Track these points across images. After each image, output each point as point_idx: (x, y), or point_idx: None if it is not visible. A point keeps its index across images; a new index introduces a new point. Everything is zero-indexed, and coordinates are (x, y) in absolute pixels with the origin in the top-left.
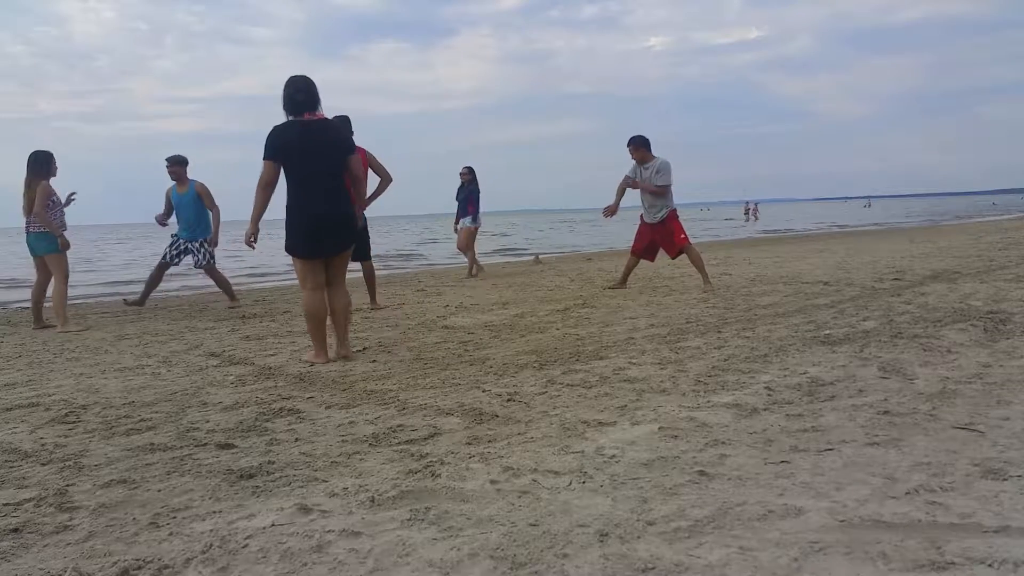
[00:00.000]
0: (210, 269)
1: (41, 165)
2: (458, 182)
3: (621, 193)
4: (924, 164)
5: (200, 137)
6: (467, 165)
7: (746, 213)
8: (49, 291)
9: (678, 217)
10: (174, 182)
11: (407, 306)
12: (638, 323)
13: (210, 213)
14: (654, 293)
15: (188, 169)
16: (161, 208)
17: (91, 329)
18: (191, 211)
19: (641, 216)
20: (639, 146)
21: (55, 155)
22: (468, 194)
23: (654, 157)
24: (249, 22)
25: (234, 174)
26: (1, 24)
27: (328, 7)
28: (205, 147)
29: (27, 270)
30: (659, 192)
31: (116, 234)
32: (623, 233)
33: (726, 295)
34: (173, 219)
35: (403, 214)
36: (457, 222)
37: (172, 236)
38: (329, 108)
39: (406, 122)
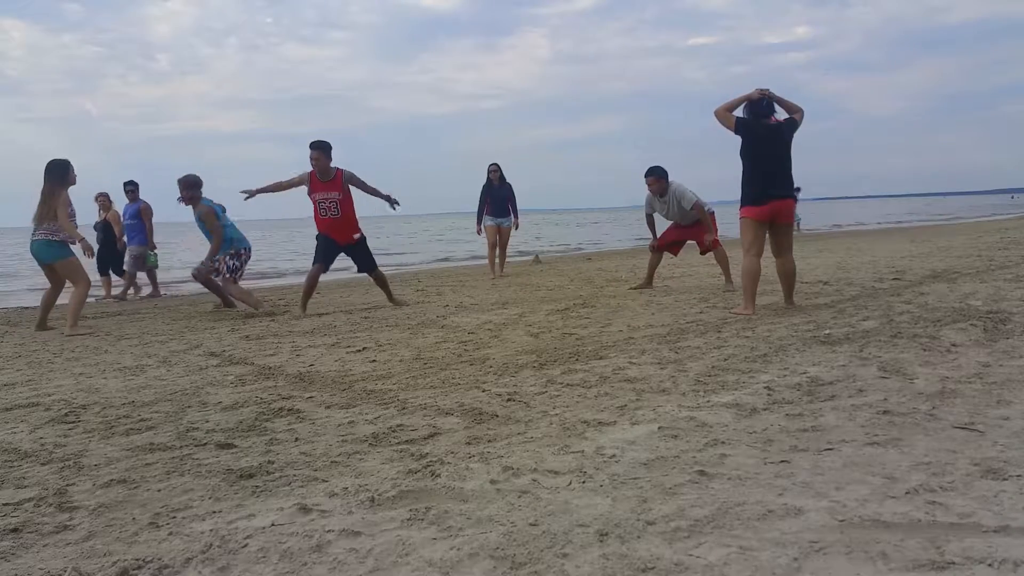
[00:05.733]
0: (200, 273)
1: (58, 173)
2: (476, 181)
3: (653, 226)
4: (962, 161)
5: (250, 136)
6: (495, 162)
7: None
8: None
9: (714, 220)
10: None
11: (408, 306)
12: (638, 323)
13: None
14: (654, 293)
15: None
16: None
17: (95, 334)
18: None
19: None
20: (660, 178)
21: (72, 163)
22: (508, 193)
23: (668, 185)
24: (323, 24)
25: (278, 171)
26: (80, 24)
27: (402, 8)
28: (255, 145)
29: (34, 269)
30: (700, 209)
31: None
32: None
33: (726, 295)
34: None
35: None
36: (480, 221)
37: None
38: (385, 110)
39: (450, 122)
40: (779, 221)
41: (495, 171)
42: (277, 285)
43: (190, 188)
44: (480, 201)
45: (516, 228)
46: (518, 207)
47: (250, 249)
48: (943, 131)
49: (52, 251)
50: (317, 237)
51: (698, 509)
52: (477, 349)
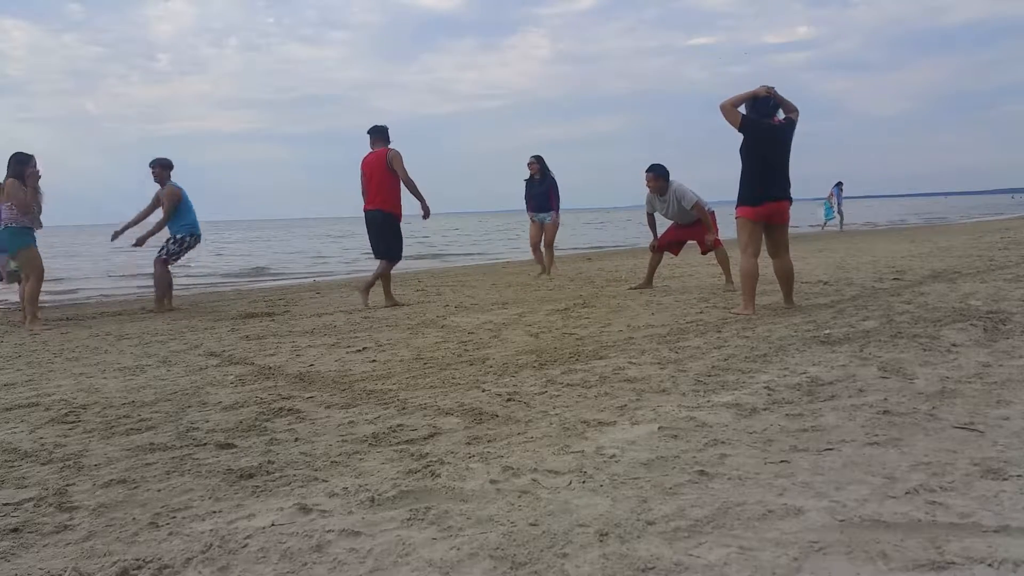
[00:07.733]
0: (160, 262)
1: (17, 165)
2: (514, 175)
3: (654, 226)
4: (963, 162)
5: (250, 136)
6: (535, 155)
7: None
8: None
9: (714, 219)
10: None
11: (408, 306)
12: (638, 323)
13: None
14: (654, 293)
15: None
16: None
17: (65, 331)
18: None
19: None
20: (659, 176)
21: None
22: (549, 187)
23: (668, 184)
24: (324, 24)
25: (278, 172)
26: (81, 24)
27: (402, 8)
28: (255, 145)
29: (51, 268)
30: (700, 209)
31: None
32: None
33: (726, 295)
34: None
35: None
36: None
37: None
38: (385, 110)
39: (450, 122)
40: (775, 222)
41: (533, 164)
42: (278, 285)
43: (164, 168)
44: (525, 195)
45: (556, 225)
46: (560, 202)
47: (198, 237)
48: (943, 131)
49: (19, 239)
50: (399, 222)
51: (698, 509)
52: (477, 349)
